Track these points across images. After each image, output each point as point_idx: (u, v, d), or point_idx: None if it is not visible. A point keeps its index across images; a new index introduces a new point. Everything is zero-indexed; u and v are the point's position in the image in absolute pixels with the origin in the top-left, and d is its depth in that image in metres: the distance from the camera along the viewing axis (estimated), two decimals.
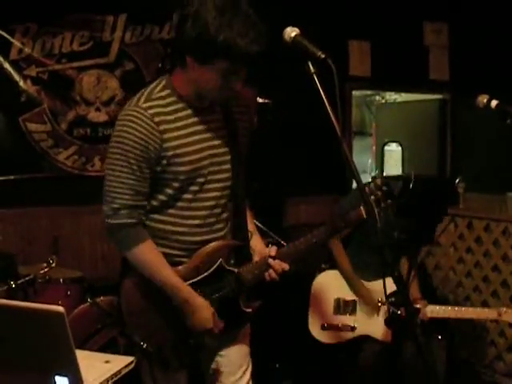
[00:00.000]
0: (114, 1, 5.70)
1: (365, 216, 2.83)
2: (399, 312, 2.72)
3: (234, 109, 2.94)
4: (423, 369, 2.22)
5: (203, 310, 2.80)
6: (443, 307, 4.35)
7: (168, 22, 5.71)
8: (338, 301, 4.42)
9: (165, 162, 2.71)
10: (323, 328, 4.39)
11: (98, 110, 5.71)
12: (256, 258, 2.99)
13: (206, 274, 2.86)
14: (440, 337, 4.58)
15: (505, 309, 4.20)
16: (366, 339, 4.34)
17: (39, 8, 5.36)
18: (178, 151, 2.71)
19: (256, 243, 3.07)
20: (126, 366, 2.46)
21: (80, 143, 5.68)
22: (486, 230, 5.68)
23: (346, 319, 4.37)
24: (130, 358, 2.51)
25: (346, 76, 6.80)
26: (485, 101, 3.58)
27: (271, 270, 2.91)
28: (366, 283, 4.39)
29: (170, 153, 2.70)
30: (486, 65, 6.82)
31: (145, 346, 2.78)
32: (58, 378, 2.11)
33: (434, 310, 4.29)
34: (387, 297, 2.40)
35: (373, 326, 4.31)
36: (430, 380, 2.30)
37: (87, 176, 5.67)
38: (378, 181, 2.88)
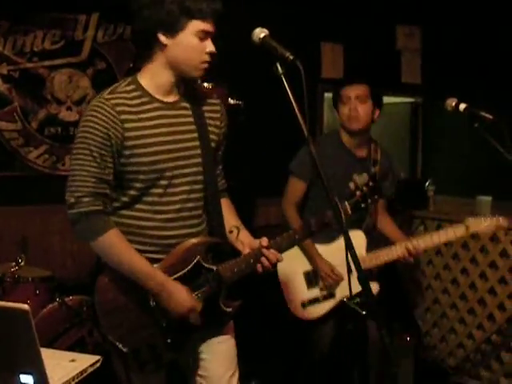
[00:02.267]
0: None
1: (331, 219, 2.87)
2: (364, 313, 2.71)
3: (205, 107, 2.96)
4: (388, 368, 2.24)
5: (180, 291, 2.77)
6: (420, 238, 4.17)
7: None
8: (307, 274, 4.31)
9: (127, 152, 2.73)
10: (304, 305, 4.28)
11: (69, 109, 5.69)
12: (246, 251, 2.96)
13: (183, 271, 2.84)
14: (408, 338, 4.59)
15: (470, 219, 4.07)
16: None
17: (11, 5, 5.33)
18: (139, 142, 2.73)
19: (245, 238, 3.04)
20: (92, 365, 2.46)
21: (51, 142, 5.65)
22: None
23: (323, 289, 4.28)
24: (96, 357, 2.51)
25: (319, 78, 6.83)
26: (453, 104, 3.61)
27: (264, 260, 2.88)
28: (324, 246, 4.27)
29: (131, 143, 2.72)
30: (458, 69, 6.86)
31: (120, 346, 2.76)
32: (22, 376, 2.11)
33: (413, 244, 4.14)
34: (351, 297, 2.41)
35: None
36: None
37: (58, 175, 5.64)
38: (365, 176, 2.91)
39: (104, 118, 2.69)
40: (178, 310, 2.78)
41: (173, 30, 2.70)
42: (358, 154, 4.29)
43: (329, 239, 4.22)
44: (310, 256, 4.27)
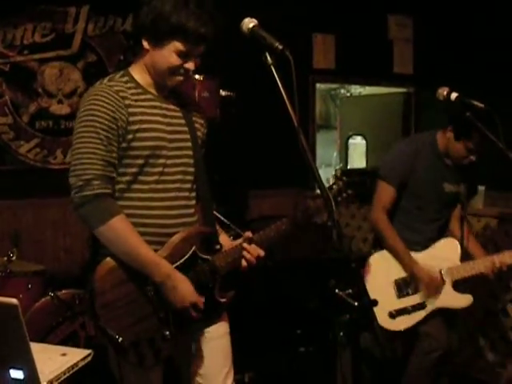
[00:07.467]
0: None
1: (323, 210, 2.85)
2: (356, 304, 2.67)
3: (191, 107, 2.98)
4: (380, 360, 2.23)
5: (185, 283, 2.74)
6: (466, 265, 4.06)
7: (131, 13, 5.68)
8: (398, 282, 4.09)
9: (130, 136, 2.70)
10: (392, 316, 4.03)
11: (60, 102, 5.67)
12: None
13: (180, 261, 2.81)
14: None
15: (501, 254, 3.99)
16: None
17: None
18: (143, 126, 2.72)
19: (224, 240, 3.04)
20: (83, 359, 2.45)
21: (42, 136, 5.63)
22: None
23: (413, 299, 4.06)
24: (87, 351, 2.50)
25: (310, 69, 6.82)
26: (445, 93, 3.61)
27: (247, 254, 2.86)
28: (415, 254, 4.10)
29: (136, 127, 2.71)
30: (449, 58, 6.86)
31: (120, 340, 2.70)
32: (13, 371, 2.10)
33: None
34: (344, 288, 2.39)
35: (443, 295, 4.05)
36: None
37: (49, 169, 5.63)
38: (339, 171, 2.89)
39: (109, 101, 2.67)
40: (181, 303, 2.75)
41: (154, 40, 2.70)
42: (447, 162, 4.16)
43: (420, 247, 4.14)
44: (406, 263, 4.10)
